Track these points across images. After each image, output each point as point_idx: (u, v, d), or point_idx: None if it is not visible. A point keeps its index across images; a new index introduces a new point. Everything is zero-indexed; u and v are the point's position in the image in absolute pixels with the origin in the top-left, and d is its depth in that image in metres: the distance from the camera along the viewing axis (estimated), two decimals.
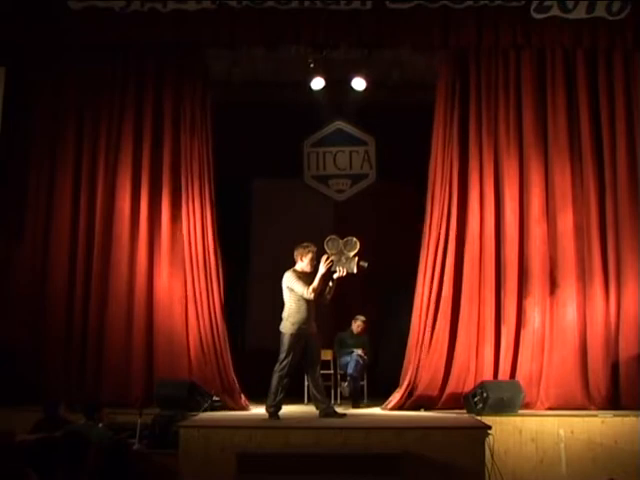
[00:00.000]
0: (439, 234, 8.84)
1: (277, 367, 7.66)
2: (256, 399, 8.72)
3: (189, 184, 9.00)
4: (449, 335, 8.73)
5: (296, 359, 7.69)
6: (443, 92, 9.06)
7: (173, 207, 9.03)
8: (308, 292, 7.60)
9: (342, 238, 7.92)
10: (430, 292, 8.77)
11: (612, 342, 8.59)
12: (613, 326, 8.63)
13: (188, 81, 9.18)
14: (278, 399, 7.65)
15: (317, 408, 7.85)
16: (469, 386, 8.50)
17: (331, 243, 7.82)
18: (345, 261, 7.74)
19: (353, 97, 10.13)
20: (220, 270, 9.07)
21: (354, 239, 7.86)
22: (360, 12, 8.79)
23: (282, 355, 7.64)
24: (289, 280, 7.70)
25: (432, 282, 8.78)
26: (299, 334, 7.65)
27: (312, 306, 7.73)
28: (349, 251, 7.79)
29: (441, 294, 8.77)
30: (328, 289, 7.78)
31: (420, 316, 8.81)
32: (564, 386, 8.51)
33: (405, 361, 8.92)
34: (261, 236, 11.35)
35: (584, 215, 8.81)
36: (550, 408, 8.39)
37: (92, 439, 6.59)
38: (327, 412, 7.77)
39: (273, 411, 7.65)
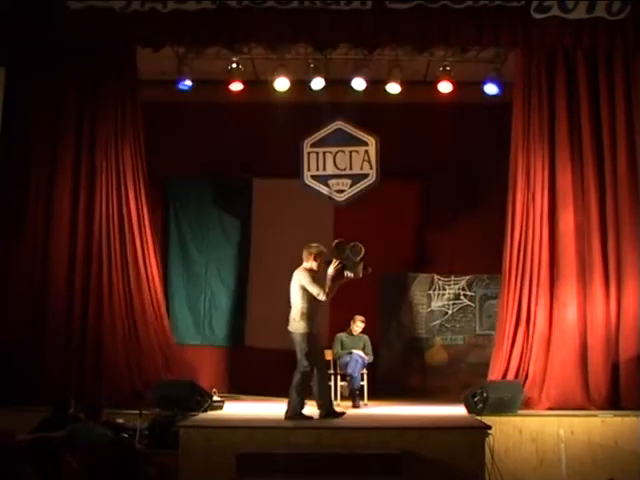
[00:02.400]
0: (521, 235, 8.83)
1: (300, 368, 7.60)
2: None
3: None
4: (531, 337, 8.70)
5: (316, 357, 7.72)
6: (521, 92, 9.00)
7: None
8: (324, 294, 7.63)
9: (341, 238, 7.94)
10: (514, 293, 8.74)
11: (612, 343, 8.59)
12: (613, 327, 8.62)
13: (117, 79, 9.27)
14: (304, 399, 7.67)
15: (318, 407, 7.85)
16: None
17: (339, 247, 7.85)
18: (352, 266, 7.77)
19: (353, 97, 10.15)
20: (159, 270, 9.22)
21: (359, 245, 7.89)
22: (360, 12, 8.78)
23: (303, 355, 7.59)
24: (305, 279, 7.66)
25: (516, 283, 8.74)
26: (313, 333, 7.66)
27: (319, 307, 7.78)
28: (355, 256, 7.82)
29: (522, 295, 8.74)
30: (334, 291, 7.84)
31: (506, 319, 8.76)
32: (565, 386, 8.50)
33: (491, 362, 8.90)
34: (261, 236, 11.36)
35: (584, 215, 8.81)
36: (550, 408, 8.38)
37: (93, 439, 6.58)
38: (328, 412, 7.77)
39: (302, 412, 7.61)
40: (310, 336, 7.62)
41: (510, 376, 8.60)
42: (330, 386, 7.98)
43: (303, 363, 7.60)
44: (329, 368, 9.56)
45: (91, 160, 9.15)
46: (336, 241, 7.97)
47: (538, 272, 8.75)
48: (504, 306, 8.85)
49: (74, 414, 7.30)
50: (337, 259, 7.73)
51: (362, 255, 7.83)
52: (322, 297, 7.64)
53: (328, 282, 7.64)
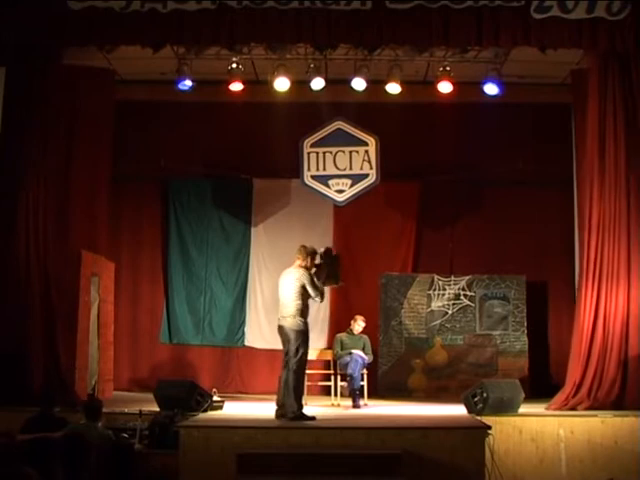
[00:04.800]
0: (598, 237, 8.79)
1: (294, 366, 7.58)
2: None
3: None
4: (611, 339, 8.65)
5: (307, 356, 7.75)
6: (596, 96, 8.92)
7: None
8: (321, 298, 7.74)
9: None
10: (592, 295, 8.70)
11: (618, 342, 8.59)
12: (620, 326, 8.63)
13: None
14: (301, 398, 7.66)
15: (277, 404, 7.77)
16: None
17: (328, 254, 7.92)
18: (333, 274, 7.88)
19: (353, 97, 10.15)
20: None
21: (338, 255, 8.06)
22: (360, 12, 8.75)
23: (299, 353, 7.60)
24: (307, 279, 7.69)
25: (593, 285, 8.71)
26: (308, 331, 7.70)
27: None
28: (336, 266, 7.87)
29: (601, 296, 8.70)
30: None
31: (584, 319, 8.70)
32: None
33: (569, 363, 8.86)
34: (261, 236, 11.37)
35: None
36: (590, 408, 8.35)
37: (93, 439, 6.57)
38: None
39: (302, 412, 7.59)
40: (306, 334, 7.66)
41: (589, 375, 8.54)
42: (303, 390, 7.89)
43: (295, 361, 7.59)
44: (328, 368, 9.60)
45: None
46: (326, 247, 8.02)
47: (611, 273, 8.71)
48: (582, 307, 8.77)
49: (59, 414, 7.27)
50: (324, 265, 7.76)
51: (340, 266, 7.97)
52: (319, 299, 7.70)
53: (320, 285, 7.73)
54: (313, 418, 7.57)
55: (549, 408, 8.51)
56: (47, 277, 8.88)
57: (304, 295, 7.67)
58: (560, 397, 8.59)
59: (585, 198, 9.03)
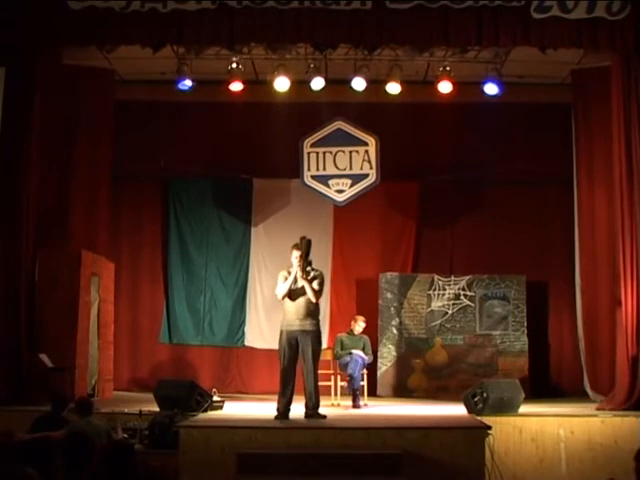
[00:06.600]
0: (632, 238, 8.76)
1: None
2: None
3: None
4: None
5: (291, 356, 7.68)
6: (620, 95, 8.86)
7: None
8: (277, 293, 7.76)
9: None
10: (633, 298, 8.68)
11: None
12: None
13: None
14: (286, 400, 7.63)
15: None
16: None
17: (302, 244, 7.80)
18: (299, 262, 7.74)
19: (353, 97, 10.16)
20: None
21: (305, 239, 7.74)
22: (360, 12, 8.76)
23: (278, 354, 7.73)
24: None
25: (632, 288, 8.67)
26: (286, 331, 7.70)
27: (300, 305, 7.70)
28: (303, 253, 7.76)
29: None
30: (308, 289, 7.69)
31: (626, 322, 8.67)
32: None
33: (617, 364, 8.83)
34: (261, 236, 11.37)
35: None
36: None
37: (93, 434, 6.56)
38: (310, 413, 7.70)
39: (279, 412, 7.61)
40: (282, 334, 7.73)
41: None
42: (313, 385, 7.76)
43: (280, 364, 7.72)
44: (328, 368, 9.58)
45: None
46: (301, 237, 7.85)
47: None
48: (624, 310, 8.72)
49: (66, 415, 7.26)
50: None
51: (303, 251, 7.68)
52: (278, 296, 7.76)
53: (288, 280, 7.71)
54: (278, 419, 7.54)
55: (603, 408, 8.43)
56: (13, 276, 8.75)
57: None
58: (617, 398, 8.54)
59: (615, 199, 8.96)
